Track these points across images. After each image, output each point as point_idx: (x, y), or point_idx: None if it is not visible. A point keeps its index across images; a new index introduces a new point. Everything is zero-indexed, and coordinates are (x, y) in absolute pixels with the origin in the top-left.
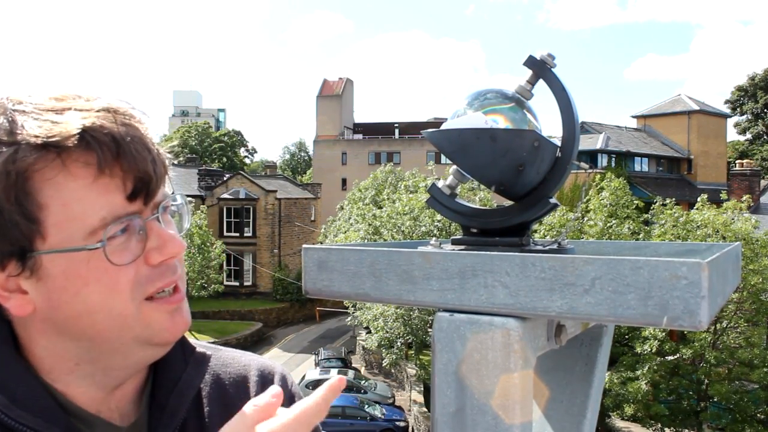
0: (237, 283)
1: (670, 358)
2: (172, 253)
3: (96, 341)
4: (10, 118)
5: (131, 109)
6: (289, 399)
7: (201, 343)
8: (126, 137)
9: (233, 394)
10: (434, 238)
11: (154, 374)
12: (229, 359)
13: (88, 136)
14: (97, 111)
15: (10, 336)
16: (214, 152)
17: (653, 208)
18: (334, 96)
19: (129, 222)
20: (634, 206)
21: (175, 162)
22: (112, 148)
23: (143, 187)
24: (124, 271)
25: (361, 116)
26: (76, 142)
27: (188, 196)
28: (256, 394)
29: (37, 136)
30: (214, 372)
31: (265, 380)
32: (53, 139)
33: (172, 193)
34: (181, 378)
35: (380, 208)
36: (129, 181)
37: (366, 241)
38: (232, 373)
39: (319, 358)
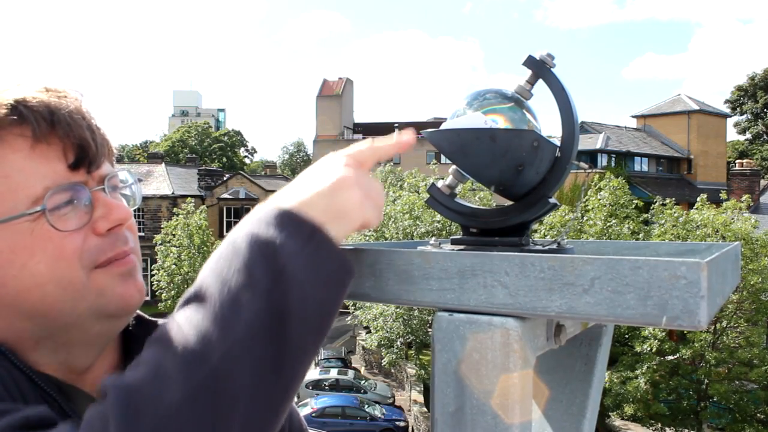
0: None
1: (669, 357)
2: (118, 218)
3: (50, 316)
4: None
5: (67, 89)
6: None
7: None
8: (60, 107)
9: None
10: (434, 238)
11: (125, 355)
12: None
13: (21, 107)
14: (30, 89)
15: None
16: (213, 152)
17: (653, 208)
18: (333, 96)
19: (74, 192)
20: (633, 206)
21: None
22: (46, 117)
23: (83, 155)
24: (69, 238)
25: (360, 116)
26: (7, 111)
27: (188, 196)
28: None
29: None
30: None
31: None
32: None
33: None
34: None
35: None
36: (69, 150)
37: (369, 239)
38: None
39: (319, 358)
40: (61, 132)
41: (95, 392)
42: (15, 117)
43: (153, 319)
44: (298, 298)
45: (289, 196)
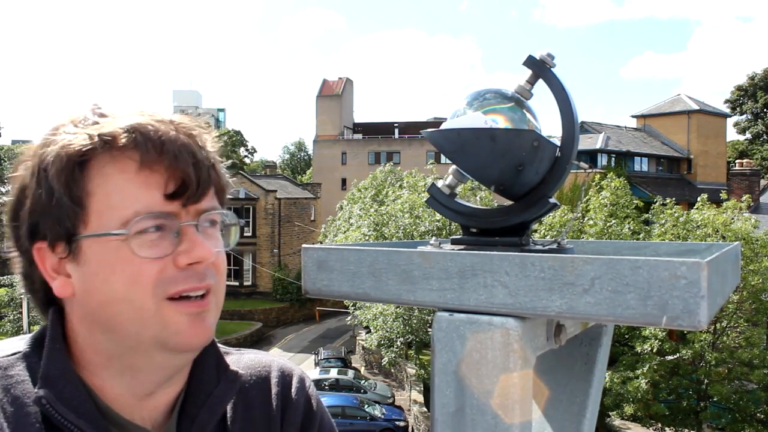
0: (237, 283)
1: (670, 357)
2: (198, 256)
3: (119, 334)
4: (85, 115)
5: (194, 124)
6: (306, 401)
7: (226, 348)
8: (172, 140)
9: (254, 395)
10: (434, 238)
11: (188, 387)
12: (250, 361)
13: (137, 134)
14: (154, 117)
15: (61, 332)
16: None
17: (653, 208)
18: (333, 96)
19: (164, 221)
20: (634, 206)
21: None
22: (156, 146)
23: (183, 188)
24: (148, 265)
25: (359, 116)
26: (125, 137)
27: None
28: (276, 395)
29: (95, 130)
30: None
31: (285, 381)
32: (106, 132)
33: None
34: (213, 393)
35: (381, 205)
36: (170, 181)
37: (369, 238)
38: (254, 374)
39: (319, 357)
40: (166, 162)
41: (149, 421)
42: (130, 143)
43: (223, 348)
44: None
45: None
